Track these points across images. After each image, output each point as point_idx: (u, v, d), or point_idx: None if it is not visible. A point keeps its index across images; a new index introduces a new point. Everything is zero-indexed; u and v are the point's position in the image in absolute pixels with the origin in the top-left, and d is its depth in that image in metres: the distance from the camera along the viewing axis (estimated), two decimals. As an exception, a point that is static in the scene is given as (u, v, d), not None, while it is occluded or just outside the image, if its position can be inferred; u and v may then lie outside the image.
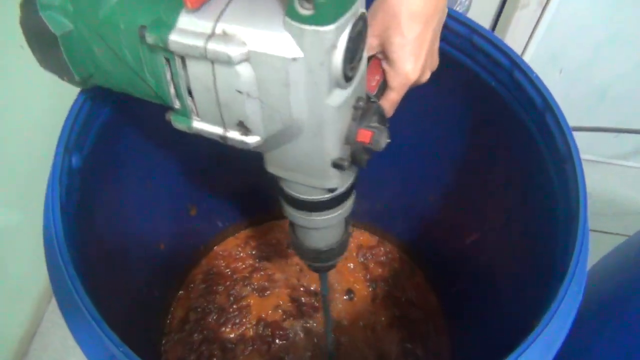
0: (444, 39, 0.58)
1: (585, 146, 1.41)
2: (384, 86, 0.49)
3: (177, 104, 0.38)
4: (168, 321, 0.90)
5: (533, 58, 1.22)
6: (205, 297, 0.92)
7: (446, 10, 0.51)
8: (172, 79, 0.37)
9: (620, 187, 1.42)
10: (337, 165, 0.39)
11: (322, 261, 0.53)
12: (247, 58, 0.33)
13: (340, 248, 0.52)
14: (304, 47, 0.32)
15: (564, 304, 0.39)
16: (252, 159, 0.45)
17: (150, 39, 0.34)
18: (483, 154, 0.66)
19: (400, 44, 0.47)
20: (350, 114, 0.38)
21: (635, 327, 0.54)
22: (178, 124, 0.39)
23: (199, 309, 0.90)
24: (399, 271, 0.96)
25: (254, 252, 0.98)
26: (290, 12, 0.31)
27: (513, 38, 1.18)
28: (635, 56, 1.17)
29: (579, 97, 1.29)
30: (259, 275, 0.95)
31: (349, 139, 0.39)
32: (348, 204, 0.47)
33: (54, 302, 1.16)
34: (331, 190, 0.44)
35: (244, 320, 0.90)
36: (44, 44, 0.40)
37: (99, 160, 0.54)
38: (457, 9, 0.71)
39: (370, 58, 0.48)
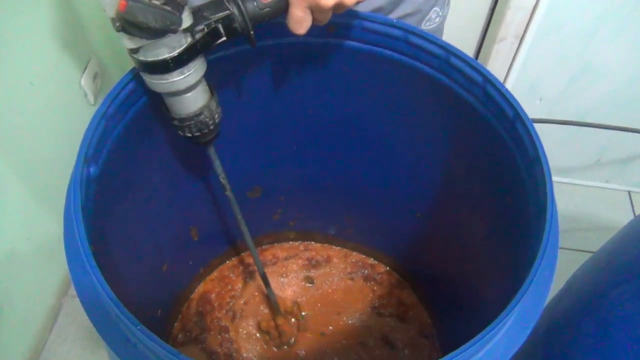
0: (424, 61, 0.64)
1: (568, 170, 1.47)
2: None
3: None
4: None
5: (514, 87, 1.27)
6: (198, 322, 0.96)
7: None
8: None
9: (602, 208, 1.47)
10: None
11: (198, 128, 0.58)
12: None
13: (210, 114, 0.57)
14: None
15: (534, 284, 0.43)
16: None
17: None
18: (463, 164, 0.70)
19: None
20: None
21: (610, 318, 0.58)
22: None
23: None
24: (387, 284, 1.00)
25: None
26: None
27: (494, 69, 1.24)
28: (608, 84, 1.23)
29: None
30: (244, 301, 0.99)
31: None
32: (192, 67, 0.52)
33: (55, 331, 1.17)
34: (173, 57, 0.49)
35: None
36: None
37: (110, 174, 0.57)
38: (427, 25, 0.74)
39: None
